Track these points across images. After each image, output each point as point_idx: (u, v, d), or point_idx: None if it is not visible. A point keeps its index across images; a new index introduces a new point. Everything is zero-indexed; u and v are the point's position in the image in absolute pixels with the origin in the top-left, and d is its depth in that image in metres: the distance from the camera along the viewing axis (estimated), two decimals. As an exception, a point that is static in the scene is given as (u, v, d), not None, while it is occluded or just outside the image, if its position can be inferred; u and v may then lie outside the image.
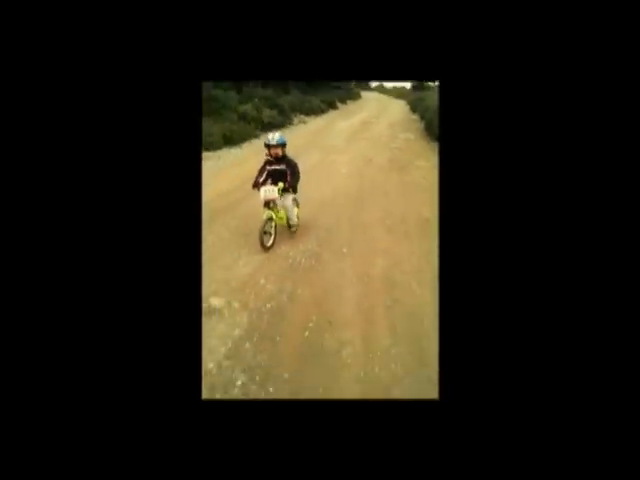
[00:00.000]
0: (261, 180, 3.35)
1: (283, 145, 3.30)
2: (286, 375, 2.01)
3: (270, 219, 3.30)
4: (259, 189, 3.26)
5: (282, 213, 3.45)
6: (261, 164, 3.43)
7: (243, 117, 8.75)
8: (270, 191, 3.20)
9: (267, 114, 9.53)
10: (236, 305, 2.58)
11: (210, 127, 7.27)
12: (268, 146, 3.29)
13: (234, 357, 2.12)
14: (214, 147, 7.00)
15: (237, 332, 2.32)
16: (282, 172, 3.34)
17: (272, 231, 3.36)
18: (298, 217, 3.70)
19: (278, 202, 3.35)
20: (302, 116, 11.20)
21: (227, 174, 5.65)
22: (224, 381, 1.96)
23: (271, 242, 3.35)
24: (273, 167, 3.35)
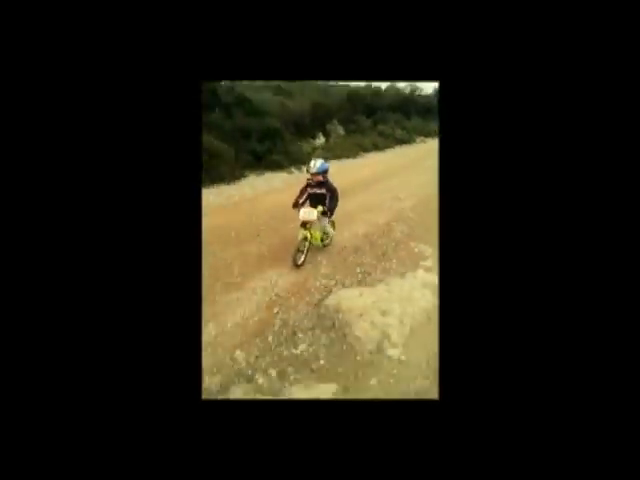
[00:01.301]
0: (301, 201, 3.49)
1: (324, 172, 3.44)
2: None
3: (305, 239, 3.42)
4: (299, 209, 3.38)
5: (318, 234, 3.57)
6: (303, 185, 3.60)
7: (381, 134, 12.60)
8: (309, 213, 3.32)
9: (398, 133, 13.37)
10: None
11: (360, 140, 11.19)
12: (310, 173, 3.43)
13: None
14: (367, 151, 10.88)
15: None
16: (322, 196, 3.46)
17: (304, 250, 3.47)
18: (331, 237, 3.87)
19: (315, 224, 3.47)
20: (422, 137, 15.11)
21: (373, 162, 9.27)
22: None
23: (302, 260, 3.46)
24: (314, 190, 3.49)
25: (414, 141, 14.07)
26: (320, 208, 3.37)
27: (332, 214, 3.52)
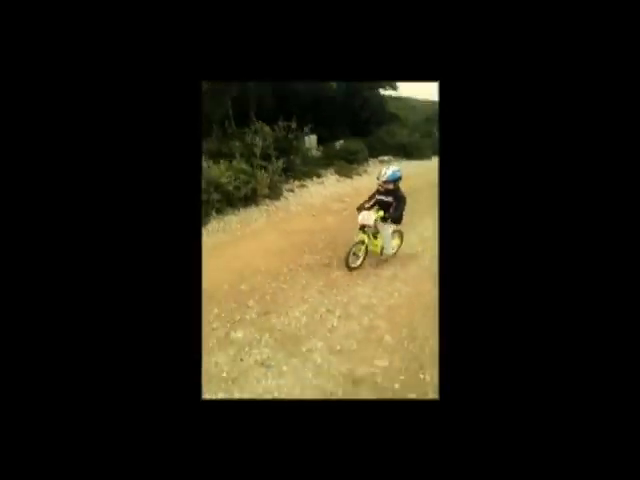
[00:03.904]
0: (367, 206, 3.44)
1: (395, 180, 3.33)
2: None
3: (362, 242, 3.38)
4: (360, 212, 3.35)
5: (378, 241, 3.51)
6: (373, 191, 3.54)
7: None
8: (367, 216, 3.26)
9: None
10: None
11: (389, 139, 9.57)
12: (379, 180, 3.34)
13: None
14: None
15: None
16: (388, 204, 3.38)
17: (361, 254, 3.43)
18: (395, 249, 3.75)
19: (374, 229, 3.41)
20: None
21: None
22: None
23: (358, 264, 3.43)
24: (381, 197, 3.43)
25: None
26: (380, 213, 3.32)
27: (397, 223, 3.41)
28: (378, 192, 3.43)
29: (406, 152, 9.16)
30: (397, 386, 2.05)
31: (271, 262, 3.50)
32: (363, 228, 3.33)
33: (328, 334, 2.48)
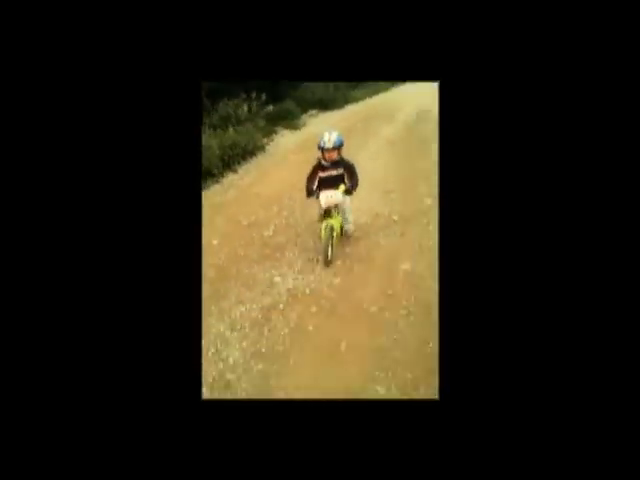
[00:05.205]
0: (314, 187, 2.86)
1: (340, 147, 2.79)
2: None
3: (332, 229, 2.83)
4: (317, 196, 2.79)
5: (338, 221, 2.98)
6: (311, 169, 2.90)
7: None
8: (333, 196, 2.74)
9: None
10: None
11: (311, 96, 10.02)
12: (322, 149, 2.76)
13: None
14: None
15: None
16: (338, 178, 2.85)
17: (334, 242, 2.94)
18: (351, 223, 3.25)
19: (338, 207, 2.90)
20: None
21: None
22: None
23: (331, 253, 2.93)
24: (327, 173, 2.84)
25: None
26: (342, 187, 2.79)
27: (354, 191, 2.88)
28: (321, 168, 2.85)
29: (325, 105, 10.28)
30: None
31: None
32: (329, 212, 2.84)
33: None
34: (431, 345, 2.11)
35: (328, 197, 2.73)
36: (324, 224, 2.81)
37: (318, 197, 2.77)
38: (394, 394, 1.87)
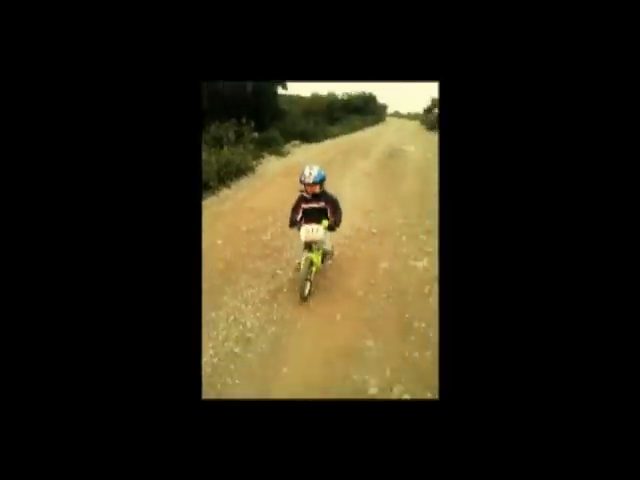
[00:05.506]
0: (298, 218, 2.86)
1: (322, 182, 2.78)
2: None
3: (311, 263, 2.73)
4: (298, 229, 2.77)
5: (319, 256, 2.88)
6: (295, 201, 2.92)
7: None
8: (314, 230, 2.67)
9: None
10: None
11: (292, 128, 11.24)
12: (303, 183, 2.76)
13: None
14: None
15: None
16: (321, 210, 2.84)
17: (312, 277, 2.84)
18: (332, 254, 3.24)
19: (321, 242, 2.80)
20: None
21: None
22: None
23: (308, 290, 2.81)
24: (310, 205, 2.85)
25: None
26: (325, 222, 2.74)
27: (337, 227, 2.86)
28: (304, 200, 2.85)
29: (306, 137, 11.16)
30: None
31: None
32: (310, 246, 2.77)
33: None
34: (407, 316, 2.66)
35: (309, 231, 2.70)
36: (304, 257, 2.74)
37: (299, 230, 2.77)
38: (380, 348, 2.32)
